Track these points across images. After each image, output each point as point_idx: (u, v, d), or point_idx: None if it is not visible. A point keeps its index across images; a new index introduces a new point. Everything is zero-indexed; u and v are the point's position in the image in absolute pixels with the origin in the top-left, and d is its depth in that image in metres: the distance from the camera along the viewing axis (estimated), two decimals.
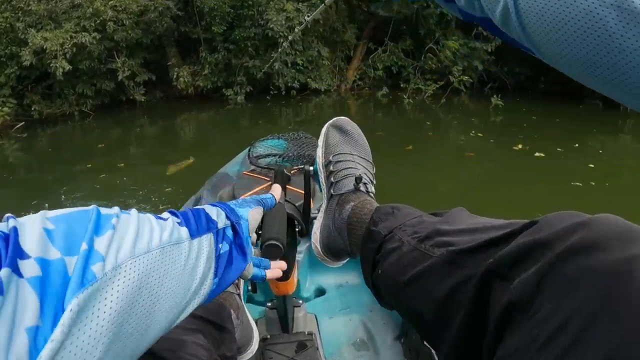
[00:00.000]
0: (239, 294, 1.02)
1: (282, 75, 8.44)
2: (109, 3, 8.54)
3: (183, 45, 9.03)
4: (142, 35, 8.52)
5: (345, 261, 0.88)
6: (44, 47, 8.22)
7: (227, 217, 0.60)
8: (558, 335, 0.34)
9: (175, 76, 8.51)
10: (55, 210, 0.39)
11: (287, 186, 1.48)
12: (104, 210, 0.42)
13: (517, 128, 6.65)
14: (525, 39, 0.39)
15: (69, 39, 8.27)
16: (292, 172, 1.61)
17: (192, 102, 8.69)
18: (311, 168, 0.98)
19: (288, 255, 0.94)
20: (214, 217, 0.57)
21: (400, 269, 0.59)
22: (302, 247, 1.35)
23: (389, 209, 0.70)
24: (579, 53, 0.35)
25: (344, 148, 0.89)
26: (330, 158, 0.88)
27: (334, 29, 9.40)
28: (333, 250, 0.84)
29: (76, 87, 8.74)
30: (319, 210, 0.94)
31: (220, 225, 0.58)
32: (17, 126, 8.91)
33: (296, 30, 1.48)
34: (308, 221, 1.00)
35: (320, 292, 1.39)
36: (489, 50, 9.49)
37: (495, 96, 8.55)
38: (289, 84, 8.52)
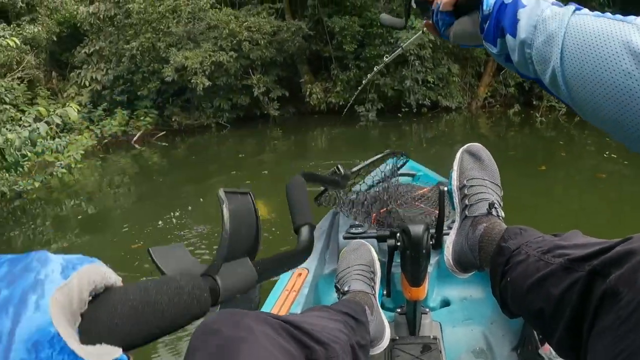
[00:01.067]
0: (374, 295, 1.17)
1: (413, 92, 8.63)
2: (244, 24, 9.27)
3: (314, 62, 9.56)
4: (275, 54, 9.13)
5: (472, 274, 1.00)
6: (185, 64, 9.07)
7: None
8: (635, 315, 0.48)
9: (308, 92, 9.01)
10: None
11: (421, 205, 1.66)
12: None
13: None
14: (570, 99, 0.51)
15: (207, 57, 9.06)
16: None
17: (324, 118, 9.16)
18: (445, 189, 1.09)
19: (422, 263, 1.11)
20: None
21: (526, 276, 0.71)
22: (432, 260, 1.45)
23: (517, 229, 0.83)
24: (611, 111, 0.46)
25: (477, 173, 1.01)
26: (465, 182, 1.00)
27: None
28: (463, 264, 0.97)
29: (213, 101, 9.55)
30: (449, 228, 1.09)
31: None
32: (158, 135, 9.92)
33: (385, 58, 1.51)
34: (441, 236, 1.14)
35: (446, 303, 1.51)
36: None
37: None
38: (420, 102, 8.70)
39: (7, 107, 5.69)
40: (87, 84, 11.35)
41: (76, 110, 4.90)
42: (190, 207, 4.50)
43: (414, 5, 0.80)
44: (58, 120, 4.85)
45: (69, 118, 4.95)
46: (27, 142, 4.57)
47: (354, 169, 1.36)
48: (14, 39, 5.54)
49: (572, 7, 0.52)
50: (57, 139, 5.63)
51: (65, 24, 11.83)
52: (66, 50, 12.03)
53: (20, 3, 12.24)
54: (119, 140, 10.01)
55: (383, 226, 1.49)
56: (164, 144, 9.44)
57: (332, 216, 1.94)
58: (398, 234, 1.17)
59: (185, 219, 4.14)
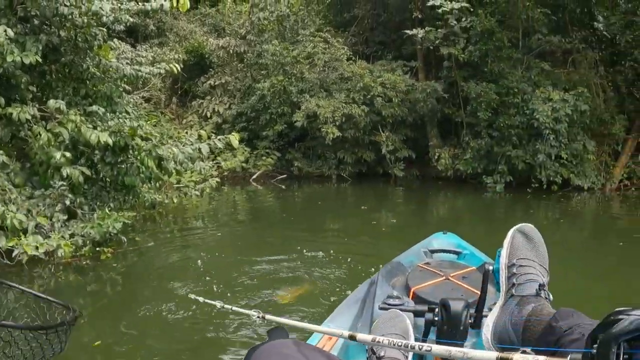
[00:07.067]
0: None
1: (544, 168, 10.23)
2: (378, 79, 11.41)
3: (444, 126, 11.54)
4: (407, 113, 11.14)
5: None
6: (317, 112, 11.27)
7: None
8: None
9: (436, 157, 10.96)
10: None
11: (462, 283, 1.96)
12: None
13: None
14: None
15: (339, 108, 11.21)
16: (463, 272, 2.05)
17: (448, 185, 11.11)
18: (491, 268, 1.31)
19: (459, 341, 1.36)
20: None
21: None
22: (468, 342, 1.62)
23: (570, 311, 1.05)
24: None
25: (528, 254, 1.23)
26: (514, 261, 1.22)
27: (601, 120, 10.95)
28: (502, 342, 1.17)
29: (337, 153, 11.73)
30: (489, 309, 1.31)
31: None
32: (279, 177, 12.25)
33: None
34: (480, 316, 1.36)
35: None
36: None
37: None
38: (552, 178, 10.27)
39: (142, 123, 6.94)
40: (208, 115, 13.98)
41: (237, 139, 6.83)
42: (305, 250, 5.88)
43: None
44: (220, 145, 6.75)
45: (231, 145, 6.85)
46: (188, 159, 6.32)
47: None
48: (177, 65, 7.53)
49: None
50: (201, 163, 7.68)
51: (193, 53, 14.63)
52: (189, 78, 14.83)
53: (151, 26, 15.17)
54: (236, 175, 12.46)
55: (421, 301, 1.70)
56: (282, 186, 11.75)
57: (368, 284, 2.21)
58: (437, 309, 1.39)
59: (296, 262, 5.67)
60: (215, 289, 4.63)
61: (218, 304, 2.37)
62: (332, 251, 5.82)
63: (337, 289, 4.60)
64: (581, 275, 5.71)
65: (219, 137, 6.81)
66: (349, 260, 5.55)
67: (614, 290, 5.20)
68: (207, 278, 4.91)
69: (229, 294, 4.50)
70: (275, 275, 5.14)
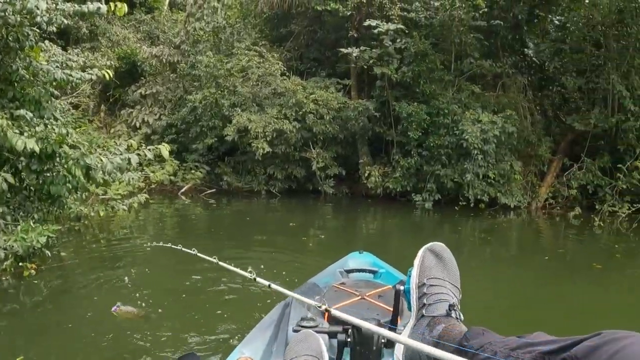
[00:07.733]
0: None
1: (472, 186, 10.45)
2: (311, 96, 11.40)
3: (375, 145, 11.60)
4: (338, 131, 11.16)
5: None
6: (248, 127, 11.13)
7: None
8: None
9: (366, 174, 11.01)
10: None
11: (378, 302, 2.01)
12: None
13: None
14: None
15: (271, 123, 11.10)
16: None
17: (377, 203, 11.18)
18: (402, 288, 1.32)
19: None
20: None
21: None
22: None
23: (479, 330, 1.06)
24: None
25: (438, 273, 1.24)
26: (425, 281, 1.23)
27: (528, 142, 11.34)
28: None
29: (267, 168, 11.60)
30: (403, 327, 1.31)
31: None
32: (208, 192, 11.99)
33: None
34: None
35: None
36: None
37: None
38: (479, 197, 10.51)
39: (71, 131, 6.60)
40: (137, 125, 13.57)
41: (168, 149, 6.59)
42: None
43: None
44: (150, 155, 6.33)
45: (160, 156, 6.53)
46: (117, 169, 5.98)
47: None
48: (109, 71, 7.21)
49: None
50: (130, 174, 7.37)
51: (125, 60, 14.23)
52: (120, 86, 14.39)
53: (84, 29, 14.64)
54: (164, 188, 12.09)
55: (336, 322, 1.67)
56: (211, 201, 11.47)
57: (283, 307, 2.22)
58: (349, 330, 1.43)
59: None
60: (144, 305, 4.47)
61: (214, 260, 2.33)
62: (262, 266, 5.73)
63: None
64: (508, 288, 5.99)
65: (149, 147, 6.53)
66: (283, 274, 5.55)
67: (539, 302, 5.44)
68: (136, 294, 4.74)
69: (160, 310, 4.42)
70: (204, 289, 5.12)
